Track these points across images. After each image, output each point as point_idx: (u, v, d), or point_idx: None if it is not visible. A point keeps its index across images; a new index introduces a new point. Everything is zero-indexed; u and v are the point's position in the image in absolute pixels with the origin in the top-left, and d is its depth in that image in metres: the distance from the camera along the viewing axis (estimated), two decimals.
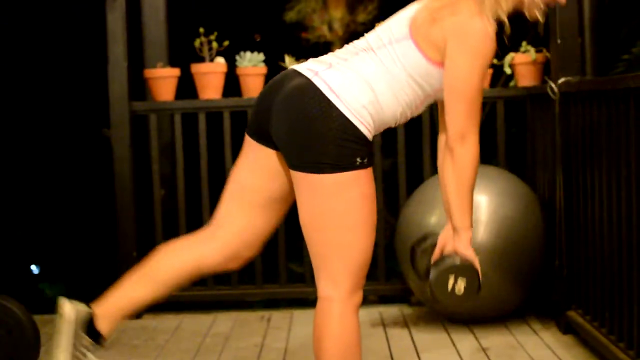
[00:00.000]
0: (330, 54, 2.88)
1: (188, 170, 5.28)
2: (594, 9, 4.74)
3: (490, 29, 2.72)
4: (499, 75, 6.67)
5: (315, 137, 2.67)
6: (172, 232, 5.29)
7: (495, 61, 5.32)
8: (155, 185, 5.27)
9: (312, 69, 2.77)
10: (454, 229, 2.83)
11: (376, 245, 5.30)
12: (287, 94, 2.75)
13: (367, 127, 2.71)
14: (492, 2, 2.73)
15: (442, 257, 2.82)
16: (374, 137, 2.81)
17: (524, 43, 5.26)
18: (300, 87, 2.73)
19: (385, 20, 2.91)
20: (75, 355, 2.97)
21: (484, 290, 4.41)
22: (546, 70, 4.97)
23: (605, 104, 3.82)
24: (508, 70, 5.27)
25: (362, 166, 2.69)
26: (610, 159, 3.76)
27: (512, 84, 5.37)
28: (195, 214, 5.31)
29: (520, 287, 4.56)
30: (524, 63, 5.16)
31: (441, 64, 2.77)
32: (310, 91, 2.71)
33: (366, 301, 5.77)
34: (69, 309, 2.97)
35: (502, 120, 5.24)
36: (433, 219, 4.51)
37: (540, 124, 4.92)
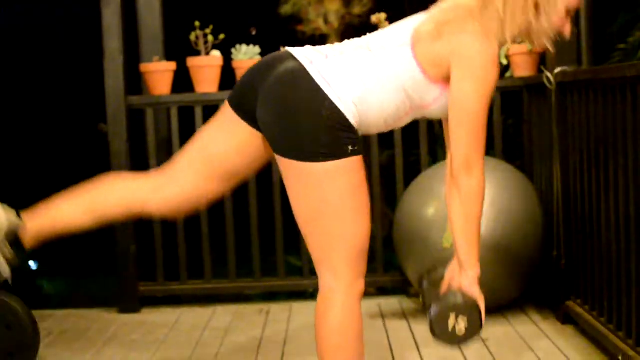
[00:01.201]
0: (328, 45, 2.85)
1: None
2: None
3: (495, 53, 2.67)
4: None
5: (306, 125, 2.64)
6: (169, 226, 5.30)
7: None
8: None
9: (308, 56, 2.73)
10: (460, 264, 2.78)
11: (374, 237, 5.35)
12: (279, 77, 2.71)
13: (354, 118, 2.68)
14: (499, 26, 2.68)
15: (446, 294, 2.75)
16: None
17: None
18: (294, 72, 2.70)
19: (391, 25, 2.87)
20: None
21: (483, 281, 4.43)
22: (542, 60, 4.96)
23: (602, 94, 3.82)
24: (504, 61, 5.27)
25: (353, 153, 2.67)
26: (608, 149, 3.76)
27: (508, 74, 5.36)
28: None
29: (519, 278, 4.57)
30: (520, 53, 5.15)
31: (436, 80, 2.71)
32: (303, 78, 2.68)
33: (365, 293, 5.78)
34: (1, 216, 2.95)
35: (498, 111, 5.23)
36: (430, 210, 4.51)
37: (537, 114, 4.92)
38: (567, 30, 2.81)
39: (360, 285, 2.78)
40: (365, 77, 2.71)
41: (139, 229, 5.20)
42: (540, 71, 4.85)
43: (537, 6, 2.72)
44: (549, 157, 4.59)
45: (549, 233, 4.59)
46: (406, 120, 2.85)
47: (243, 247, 5.34)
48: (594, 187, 3.99)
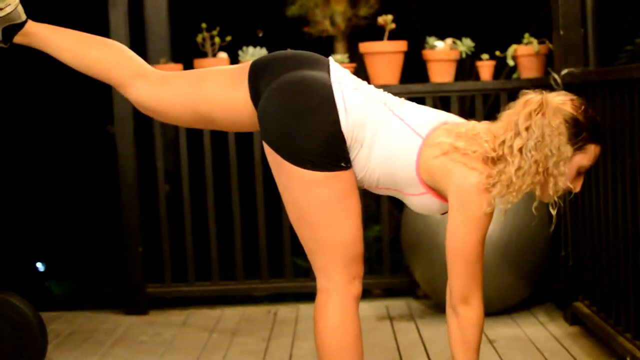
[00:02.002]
0: (364, 82, 2.84)
1: (192, 166, 5.28)
2: (597, 0, 4.73)
3: (491, 208, 2.65)
4: (501, 67, 6.66)
5: (306, 130, 2.65)
6: (177, 227, 5.31)
7: (498, 53, 5.33)
8: (159, 181, 5.28)
9: (340, 77, 2.75)
10: None
11: (381, 239, 5.35)
12: (304, 78, 2.72)
13: (352, 154, 2.71)
14: (503, 190, 2.65)
15: None
16: None
17: (526, 35, 5.25)
18: (319, 82, 2.71)
19: (423, 107, 2.84)
20: None
21: (490, 282, 4.43)
22: (549, 61, 4.96)
23: (609, 95, 3.82)
24: (511, 62, 5.26)
25: (343, 169, 2.69)
26: (615, 149, 3.76)
27: (515, 75, 5.36)
28: (200, 209, 5.31)
29: (526, 278, 4.57)
30: (526, 55, 5.15)
31: (426, 185, 2.71)
32: (325, 90, 2.69)
33: (372, 295, 5.79)
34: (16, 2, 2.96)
35: None
36: None
37: None
38: (578, 187, 2.79)
39: (355, 287, 2.78)
40: (373, 127, 2.72)
41: (146, 231, 5.21)
42: (547, 72, 4.84)
43: (546, 171, 2.69)
44: None
45: (556, 234, 4.59)
46: (382, 192, 2.86)
47: (250, 248, 5.35)
48: (601, 188, 3.99)
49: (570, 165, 2.69)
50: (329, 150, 2.65)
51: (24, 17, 3.00)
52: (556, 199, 2.79)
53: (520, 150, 2.64)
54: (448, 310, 2.75)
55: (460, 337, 2.71)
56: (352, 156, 2.72)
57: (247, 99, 2.83)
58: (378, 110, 2.74)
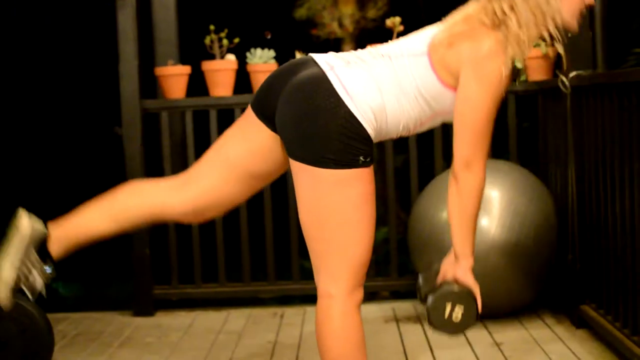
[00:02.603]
0: (350, 52, 2.87)
1: None
2: (605, 2, 4.73)
3: (507, 70, 2.70)
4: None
5: (321, 130, 2.66)
6: (184, 229, 5.31)
7: None
8: None
9: (329, 62, 2.76)
10: (455, 256, 2.82)
11: (388, 241, 5.35)
12: (299, 81, 2.74)
13: (372, 128, 2.71)
14: (515, 49, 2.71)
15: (441, 284, 2.80)
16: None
17: None
18: (314, 78, 2.72)
19: (410, 34, 2.90)
20: (20, 269, 2.96)
21: (497, 285, 4.42)
22: (557, 64, 4.96)
23: (617, 98, 3.81)
24: (519, 65, 5.26)
25: (364, 165, 2.69)
26: (623, 153, 3.75)
27: (523, 78, 5.35)
28: None
29: (534, 281, 4.56)
30: (535, 57, 5.14)
31: (453, 87, 2.76)
32: (322, 84, 2.70)
33: (379, 297, 5.80)
34: (26, 224, 2.96)
35: (513, 114, 5.23)
36: (445, 214, 4.51)
37: (552, 118, 4.91)
38: (576, 26, 2.88)
39: (359, 294, 2.78)
40: (385, 85, 2.74)
41: (154, 233, 5.21)
42: (555, 75, 4.84)
43: (544, 14, 2.75)
44: (564, 161, 4.58)
45: (563, 237, 4.59)
46: (428, 125, 2.89)
47: (257, 250, 5.35)
48: (609, 191, 3.98)
49: None
50: (347, 143, 2.66)
51: (42, 228, 2.99)
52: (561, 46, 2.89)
53: (512, 8, 2.72)
54: (450, 178, 2.78)
55: (459, 203, 2.75)
56: (381, 120, 2.72)
57: (268, 133, 2.86)
58: (378, 67, 2.77)
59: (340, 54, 2.85)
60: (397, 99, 2.74)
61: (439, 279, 2.86)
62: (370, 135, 2.70)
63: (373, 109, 2.71)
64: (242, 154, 2.91)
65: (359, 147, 2.68)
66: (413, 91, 2.75)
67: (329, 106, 2.67)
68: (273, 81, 2.85)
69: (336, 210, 2.70)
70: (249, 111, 2.90)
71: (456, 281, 2.80)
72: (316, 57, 2.81)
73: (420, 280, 2.96)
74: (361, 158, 2.68)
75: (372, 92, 2.71)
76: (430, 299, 2.76)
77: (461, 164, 2.73)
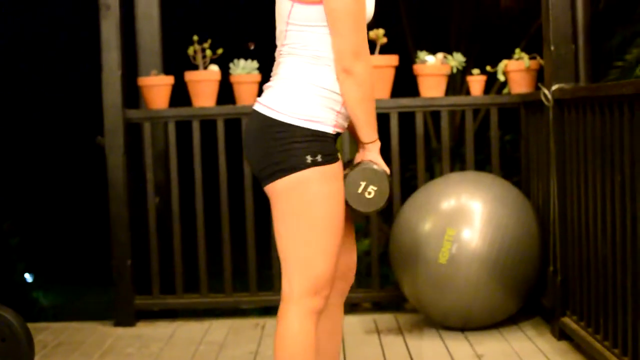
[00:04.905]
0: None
1: (182, 178, 5.28)
2: (587, 16, 4.75)
3: None
4: (492, 82, 6.68)
5: (263, 150, 2.76)
6: (166, 239, 5.30)
7: (488, 68, 5.34)
8: (149, 192, 5.27)
9: (258, 99, 2.86)
10: (364, 147, 2.87)
11: (370, 252, 5.35)
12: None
13: (317, 121, 2.76)
14: None
15: (359, 163, 2.86)
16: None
17: (517, 50, 5.27)
18: (250, 119, 2.85)
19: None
20: None
21: (478, 297, 4.43)
22: (540, 77, 4.98)
23: (599, 111, 3.82)
24: (502, 78, 5.28)
25: (315, 164, 2.73)
26: (604, 165, 3.76)
27: (505, 91, 5.37)
28: (189, 221, 5.31)
29: (515, 293, 4.57)
30: (517, 70, 5.16)
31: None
32: (254, 117, 2.82)
33: (361, 308, 5.79)
34: None
35: (496, 127, 5.25)
36: (427, 226, 4.52)
37: (534, 130, 4.93)
38: None
39: (315, 302, 2.81)
40: (296, 76, 2.79)
41: (135, 242, 5.20)
42: (537, 88, 4.86)
43: None
44: (546, 174, 4.60)
45: (545, 249, 4.60)
46: None
47: (239, 261, 5.34)
48: (590, 203, 3.99)
49: None
50: (289, 149, 2.72)
51: None
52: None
53: None
54: (341, 74, 2.77)
55: (358, 93, 2.77)
56: (321, 96, 2.77)
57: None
58: (282, 67, 2.83)
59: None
60: (316, 66, 2.78)
61: (357, 161, 2.92)
62: (315, 129, 2.74)
63: (307, 101, 2.75)
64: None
65: (302, 147, 2.72)
66: (315, 34, 2.79)
67: (262, 128, 2.77)
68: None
69: (292, 216, 2.76)
70: None
71: (368, 162, 2.86)
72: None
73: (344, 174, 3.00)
74: (309, 157, 2.72)
75: (293, 92, 2.76)
76: (347, 175, 2.83)
77: (351, 57, 2.74)
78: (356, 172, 2.82)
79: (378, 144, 2.87)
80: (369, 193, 2.82)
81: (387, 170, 2.87)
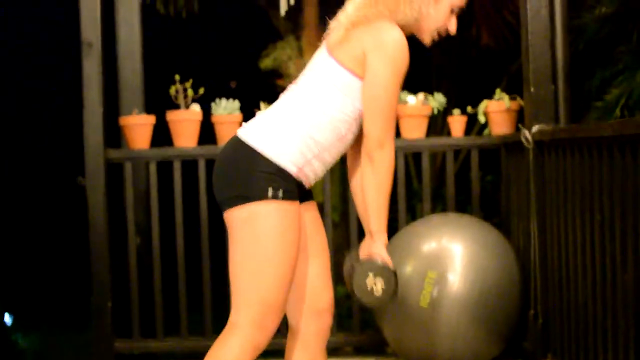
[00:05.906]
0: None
1: (163, 219, 5.25)
2: (567, 56, 4.77)
3: (402, 36, 2.85)
4: (473, 123, 6.69)
5: (228, 175, 2.83)
6: (147, 281, 5.26)
7: (469, 109, 5.35)
8: (130, 233, 5.24)
9: (245, 124, 2.93)
10: (371, 234, 2.92)
11: (350, 296, 5.30)
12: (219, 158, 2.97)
13: (284, 158, 2.80)
14: (408, 14, 2.89)
15: (363, 260, 2.91)
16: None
17: (497, 91, 5.29)
18: (227, 142, 2.92)
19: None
20: None
21: (460, 341, 4.41)
22: (520, 118, 4.99)
23: (579, 152, 3.84)
24: (482, 119, 5.29)
25: (275, 197, 2.77)
26: (584, 207, 3.77)
27: (486, 132, 5.38)
28: (170, 262, 5.27)
29: (497, 336, 4.55)
30: (497, 111, 5.18)
31: (360, 76, 2.86)
32: (230, 140, 2.90)
33: (341, 352, 5.74)
34: None
35: (476, 168, 5.25)
36: (408, 269, 4.50)
37: (514, 172, 4.94)
38: (452, 28, 3.00)
39: (258, 336, 2.84)
40: (290, 112, 2.85)
41: (115, 284, 5.16)
42: (517, 129, 4.87)
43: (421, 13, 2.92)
44: (527, 215, 4.60)
45: (526, 291, 4.59)
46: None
47: (220, 303, 5.30)
48: (570, 245, 3.99)
49: (440, 7, 2.93)
50: (254, 177, 2.78)
51: None
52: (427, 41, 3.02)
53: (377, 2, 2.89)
54: (363, 158, 2.86)
55: (375, 181, 2.84)
56: (304, 138, 2.82)
57: None
58: (281, 103, 2.92)
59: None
60: (321, 109, 2.84)
61: (362, 255, 2.95)
62: (283, 166, 2.79)
63: (278, 137, 2.80)
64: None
65: (266, 178, 2.76)
66: (332, 94, 2.84)
67: (232, 155, 2.84)
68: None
69: (243, 244, 2.80)
70: None
71: (374, 256, 2.90)
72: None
73: (346, 264, 3.04)
74: (270, 190, 2.76)
75: (277, 127, 2.82)
76: (354, 275, 2.88)
77: (375, 145, 2.83)
78: (367, 265, 2.87)
79: (385, 235, 2.91)
80: (377, 290, 2.88)
81: (392, 264, 2.91)
